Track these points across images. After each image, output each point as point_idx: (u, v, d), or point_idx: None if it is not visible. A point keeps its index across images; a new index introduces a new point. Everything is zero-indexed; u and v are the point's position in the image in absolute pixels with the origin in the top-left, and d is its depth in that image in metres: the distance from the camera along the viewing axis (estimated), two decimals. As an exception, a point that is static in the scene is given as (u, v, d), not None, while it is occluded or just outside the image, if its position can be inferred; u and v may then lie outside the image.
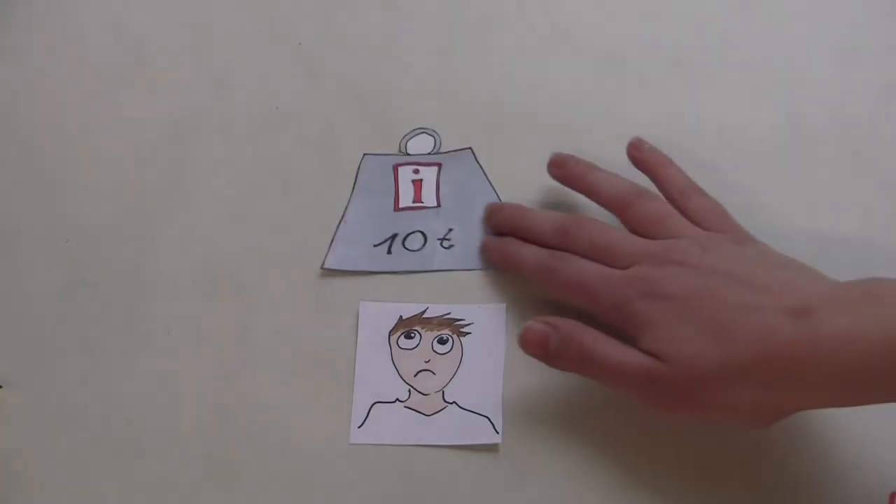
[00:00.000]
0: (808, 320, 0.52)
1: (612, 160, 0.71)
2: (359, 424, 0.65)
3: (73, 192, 0.73)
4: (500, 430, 0.64)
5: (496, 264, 0.68)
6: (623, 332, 0.58)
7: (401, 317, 0.68)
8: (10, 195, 0.73)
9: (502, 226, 0.69)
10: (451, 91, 0.76)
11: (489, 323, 0.67)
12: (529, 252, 0.65)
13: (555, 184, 0.70)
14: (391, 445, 0.65)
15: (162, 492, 0.64)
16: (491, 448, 0.64)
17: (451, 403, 0.65)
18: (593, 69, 0.77)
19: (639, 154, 0.69)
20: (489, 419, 0.64)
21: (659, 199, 0.65)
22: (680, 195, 0.65)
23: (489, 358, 0.66)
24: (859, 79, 0.75)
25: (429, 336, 0.67)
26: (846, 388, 0.52)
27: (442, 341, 0.67)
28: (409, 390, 0.66)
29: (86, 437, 0.66)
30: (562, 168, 0.68)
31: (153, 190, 0.73)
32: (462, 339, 0.67)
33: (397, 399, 0.66)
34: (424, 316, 0.68)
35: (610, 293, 0.59)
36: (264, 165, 0.74)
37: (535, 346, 0.60)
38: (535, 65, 0.77)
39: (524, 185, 0.72)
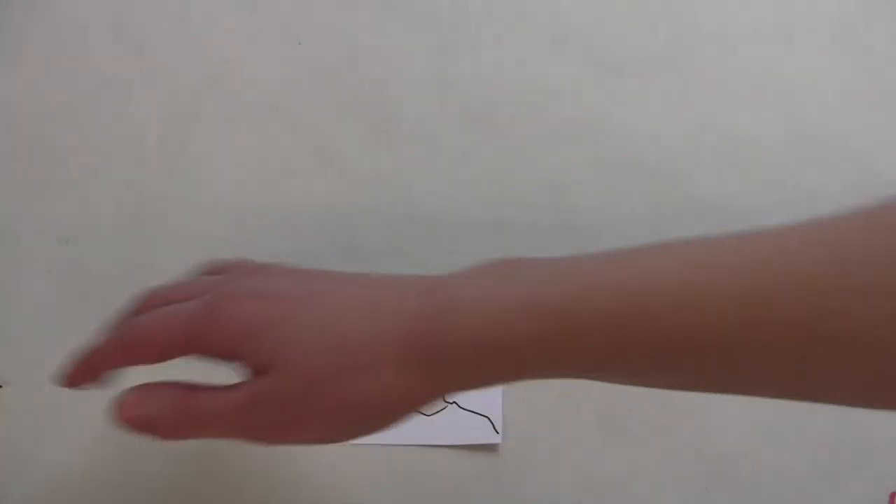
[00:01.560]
0: (436, 295, 0.45)
1: (611, 163, 0.71)
2: (359, 424, 0.65)
3: (73, 192, 0.73)
4: (500, 430, 0.64)
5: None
6: (231, 357, 0.46)
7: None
8: (10, 195, 0.73)
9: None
10: (450, 91, 0.76)
11: None
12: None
13: (546, 183, 0.71)
14: (391, 445, 0.65)
15: (163, 491, 0.64)
16: (491, 448, 0.64)
17: (452, 403, 0.65)
18: (593, 72, 0.77)
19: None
20: (489, 419, 0.64)
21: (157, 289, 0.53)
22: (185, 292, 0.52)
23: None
24: (859, 79, 0.75)
25: None
26: (490, 367, 0.44)
27: None
28: (410, 390, 0.66)
29: (86, 436, 0.66)
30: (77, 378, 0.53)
31: (153, 190, 0.73)
32: None
33: (397, 399, 0.66)
34: None
35: (200, 314, 0.46)
36: (264, 166, 0.74)
37: (137, 422, 0.48)
38: (535, 67, 0.77)
39: (521, 186, 0.72)
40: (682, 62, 0.77)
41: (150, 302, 0.51)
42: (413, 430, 0.65)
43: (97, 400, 0.66)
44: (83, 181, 0.73)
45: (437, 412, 0.65)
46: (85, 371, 0.52)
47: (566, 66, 0.77)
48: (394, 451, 0.64)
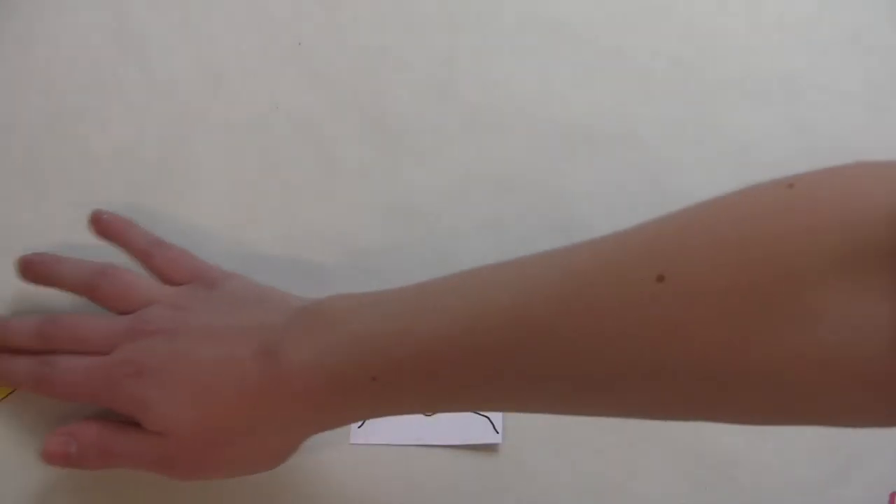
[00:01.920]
0: (273, 360, 0.53)
1: (610, 163, 0.71)
2: (359, 424, 0.65)
3: (73, 192, 0.73)
4: (500, 430, 0.64)
5: None
6: (132, 419, 0.57)
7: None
8: (10, 195, 0.73)
9: None
10: (450, 91, 0.76)
11: None
12: (20, 365, 0.61)
13: (556, 183, 0.71)
14: (391, 445, 0.65)
15: (163, 492, 0.64)
16: (491, 448, 0.64)
17: (453, 403, 0.65)
18: (594, 71, 0.77)
19: (100, 226, 0.67)
20: (489, 419, 0.64)
21: (122, 272, 0.63)
22: (144, 255, 0.65)
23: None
24: (859, 78, 0.75)
25: None
26: (339, 412, 0.55)
27: None
28: (411, 392, 0.66)
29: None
30: (28, 269, 0.66)
31: (152, 190, 0.73)
32: None
33: (398, 400, 0.66)
34: None
35: (103, 384, 0.58)
36: (264, 165, 0.74)
37: (59, 459, 0.59)
38: (535, 65, 0.77)
39: (521, 185, 0.72)
40: (683, 61, 0.77)
41: (57, 331, 0.62)
42: (412, 429, 0.65)
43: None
44: (83, 182, 0.73)
45: (438, 412, 0.65)
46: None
47: (565, 66, 0.77)
48: (394, 451, 0.65)
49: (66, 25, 0.78)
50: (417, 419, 0.65)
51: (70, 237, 0.71)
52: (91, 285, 0.63)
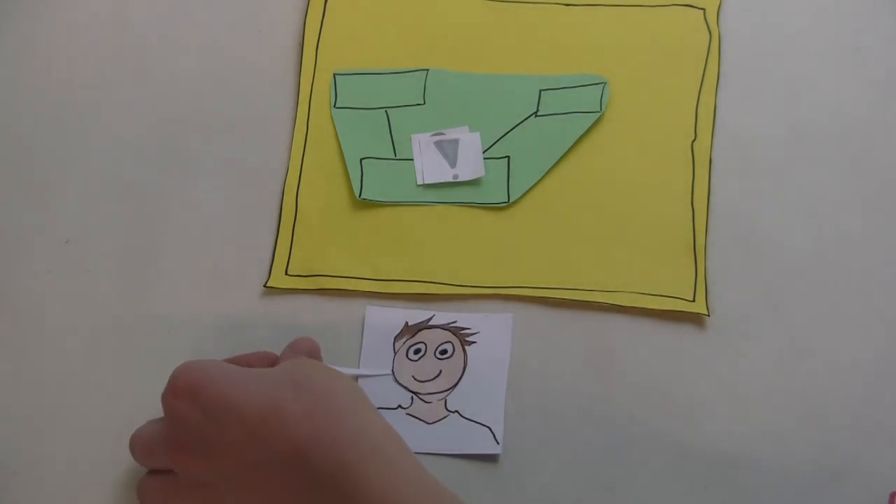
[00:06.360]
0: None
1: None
2: (360, 430, 0.65)
3: (73, 192, 0.73)
4: (500, 440, 0.64)
5: None
6: None
7: (406, 323, 0.68)
8: (9, 195, 0.73)
9: None
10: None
11: (495, 333, 0.67)
12: None
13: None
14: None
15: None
16: (491, 458, 0.64)
17: (453, 412, 0.65)
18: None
19: None
20: (490, 429, 0.64)
21: None
22: None
23: (493, 368, 0.66)
24: (859, 79, 0.75)
25: (434, 343, 0.67)
26: None
27: (447, 350, 0.67)
28: (412, 397, 0.66)
29: (85, 437, 0.66)
30: None
31: (153, 189, 0.73)
32: (467, 347, 0.66)
33: (399, 406, 0.65)
34: (430, 323, 0.67)
35: None
36: (265, 164, 0.74)
37: None
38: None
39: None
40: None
41: None
42: (413, 436, 0.63)
43: (97, 401, 0.67)
44: (83, 181, 0.73)
45: (439, 420, 0.65)
46: None
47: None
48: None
49: (66, 25, 0.78)
50: (418, 425, 0.65)
51: (70, 236, 0.71)
52: None
